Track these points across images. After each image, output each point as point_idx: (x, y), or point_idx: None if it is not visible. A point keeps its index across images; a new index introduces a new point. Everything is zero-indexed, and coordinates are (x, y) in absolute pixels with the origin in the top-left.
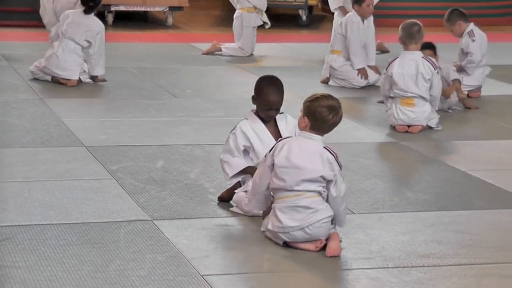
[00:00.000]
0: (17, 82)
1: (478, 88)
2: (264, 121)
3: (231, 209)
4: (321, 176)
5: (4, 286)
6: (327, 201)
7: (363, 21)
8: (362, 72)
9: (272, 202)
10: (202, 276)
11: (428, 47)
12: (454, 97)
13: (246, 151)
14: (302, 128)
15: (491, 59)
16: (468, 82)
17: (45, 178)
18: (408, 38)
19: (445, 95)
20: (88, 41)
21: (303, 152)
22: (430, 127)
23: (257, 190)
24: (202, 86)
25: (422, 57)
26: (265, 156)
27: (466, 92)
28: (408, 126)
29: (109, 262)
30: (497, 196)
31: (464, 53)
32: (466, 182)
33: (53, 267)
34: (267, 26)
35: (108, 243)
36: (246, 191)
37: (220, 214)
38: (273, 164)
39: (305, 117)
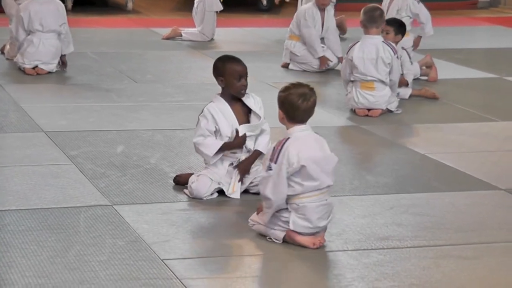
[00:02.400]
0: None
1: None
2: (233, 99)
3: (184, 191)
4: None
5: None
6: None
7: (323, 10)
8: (322, 60)
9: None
10: (162, 260)
11: (390, 23)
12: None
13: (216, 132)
14: (280, 121)
15: (450, 42)
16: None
17: (3, 164)
18: (370, 22)
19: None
20: (63, 23)
21: (315, 145)
22: (390, 111)
23: (274, 204)
24: (162, 71)
25: (383, 41)
26: (269, 169)
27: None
28: (368, 110)
29: (69, 248)
30: (455, 178)
31: (410, 15)
32: (425, 165)
33: (12, 252)
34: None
35: (68, 229)
36: (199, 175)
37: (180, 199)
38: (290, 171)
39: (280, 110)
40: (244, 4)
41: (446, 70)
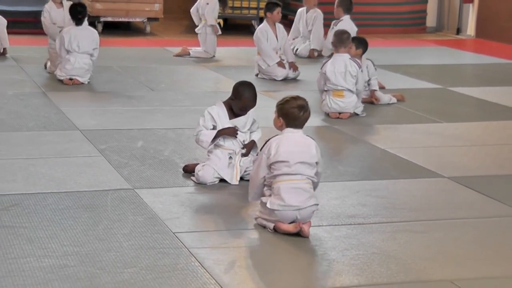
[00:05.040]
0: (23, 78)
1: None
2: (234, 113)
3: (191, 178)
4: (316, 162)
5: (14, 243)
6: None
7: (274, 26)
8: (280, 64)
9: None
10: (173, 233)
11: (352, 40)
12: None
13: (214, 129)
14: (278, 127)
15: (404, 59)
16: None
17: (47, 156)
18: (339, 43)
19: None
20: (95, 48)
21: (297, 142)
22: (356, 114)
23: (255, 183)
24: (173, 82)
25: (350, 58)
26: (256, 155)
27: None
28: (339, 113)
29: (99, 223)
30: (408, 168)
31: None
32: (384, 157)
33: (53, 227)
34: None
35: (98, 207)
36: (204, 165)
37: (188, 184)
38: (269, 160)
39: (280, 118)
40: (240, 28)
41: (401, 82)
